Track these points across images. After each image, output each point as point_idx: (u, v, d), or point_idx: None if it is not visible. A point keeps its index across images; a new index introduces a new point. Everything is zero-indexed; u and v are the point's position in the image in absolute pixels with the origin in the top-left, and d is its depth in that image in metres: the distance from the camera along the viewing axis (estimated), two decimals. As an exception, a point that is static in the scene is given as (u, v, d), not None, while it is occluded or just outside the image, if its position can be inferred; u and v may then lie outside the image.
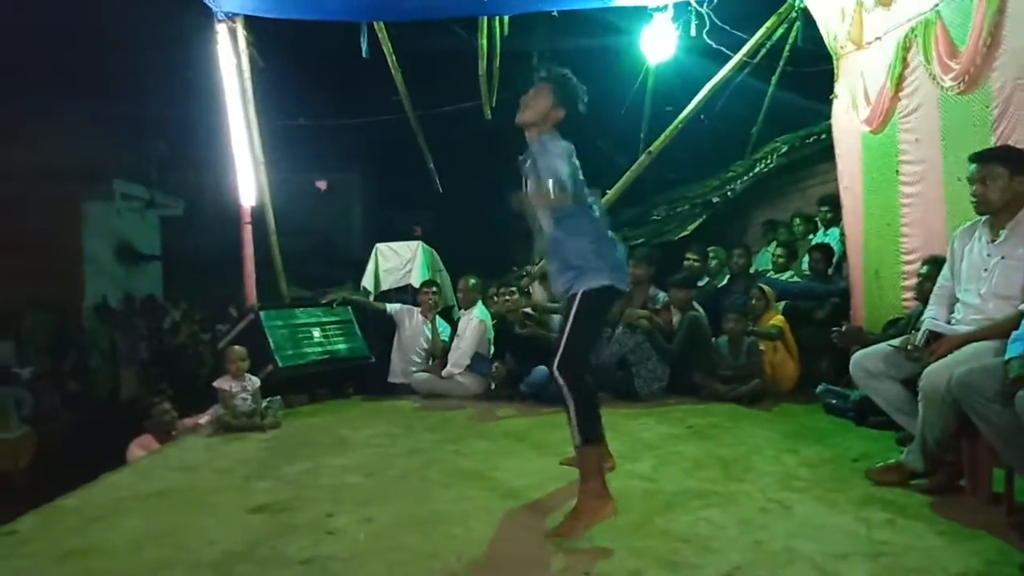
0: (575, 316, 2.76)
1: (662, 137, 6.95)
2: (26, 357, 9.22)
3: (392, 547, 2.57)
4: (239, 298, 6.80)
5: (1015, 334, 2.58)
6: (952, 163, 4.11)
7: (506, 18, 6.82)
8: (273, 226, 6.66)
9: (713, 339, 5.51)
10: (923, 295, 3.87)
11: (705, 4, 6.49)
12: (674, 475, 3.40)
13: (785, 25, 6.97)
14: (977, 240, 3.07)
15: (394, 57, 7.12)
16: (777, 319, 5.50)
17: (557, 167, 2.66)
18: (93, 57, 10.88)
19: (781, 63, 7.81)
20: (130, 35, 10.98)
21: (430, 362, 6.04)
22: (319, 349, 6.04)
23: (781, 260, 6.32)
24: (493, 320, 5.99)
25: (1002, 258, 2.94)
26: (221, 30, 6.23)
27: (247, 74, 6.41)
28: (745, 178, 8.88)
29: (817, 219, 6.74)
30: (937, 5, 4.20)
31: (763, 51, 7.25)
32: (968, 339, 2.89)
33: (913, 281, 4.39)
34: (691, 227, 9.15)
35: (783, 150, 8.36)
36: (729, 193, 9.06)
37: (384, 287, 7.39)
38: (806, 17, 6.52)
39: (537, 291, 6.64)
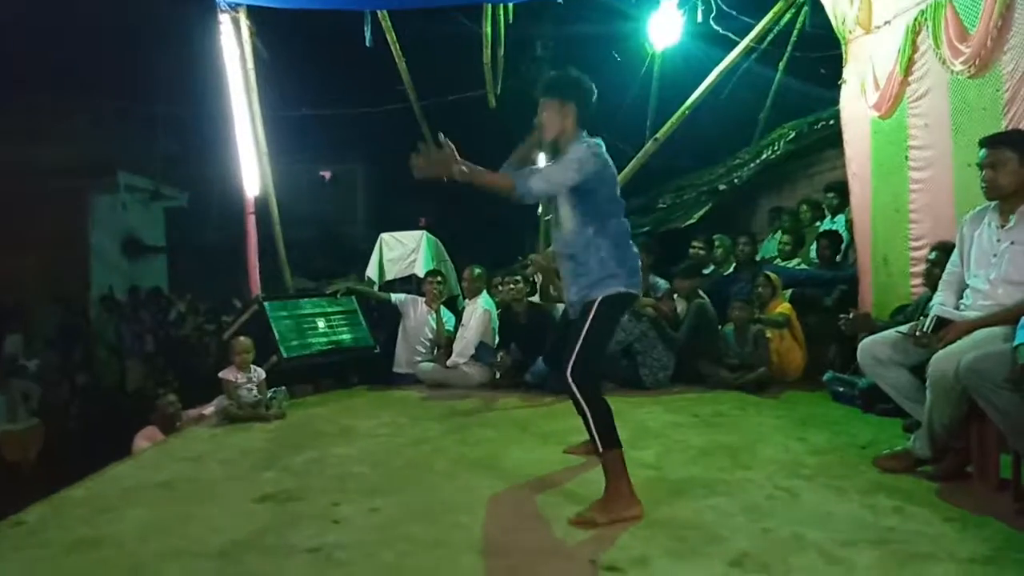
0: (591, 323, 2.73)
1: (668, 124, 6.90)
2: (33, 349, 9.26)
3: (398, 536, 2.57)
4: (243, 289, 6.81)
5: (1024, 320, 2.55)
6: (962, 148, 4.06)
7: (511, 5, 6.77)
8: (277, 216, 6.65)
9: (719, 327, 5.48)
10: (931, 281, 3.84)
11: (712, -10, 6.44)
12: (680, 463, 3.39)
13: (792, 10, 6.91)
14: (986, 225, 3.04)
15: (398, 46, 7.09)
16: (784, 307, 5.47)
17: (550, 182, 2.70)
18: (96, 50, 10.88)
19: (788, 48, 7.75)
20: (133, 27, 10.97)
21: (435, 352, 6.04)
22: (324, 339, 6.03)
23: (788, 247, 6.29)
24: (498, 309, 5.98)
25: (1012, 243, 2.91)
26: (224, 20, 6.20)
27: (250, 64, 6.39)
28: (752, 165, 8.82)
29: (824, 206, 6.70)
30: (947, -12, 4.15)
31: (770, 36, 7.19)
32: (977, 325, 2.86)
33: (921, 267, 4.35)
34: (697, 215, 9.11)
35: (790, 136, 8.30)
36: (736, 180, 9.01)
37: (389, 277, 7.38)
38: (813, 1, 6.45)
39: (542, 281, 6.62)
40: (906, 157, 4.73)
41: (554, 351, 3.08)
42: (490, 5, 6.73)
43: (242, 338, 4.95)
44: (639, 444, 3.63)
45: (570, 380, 2.67)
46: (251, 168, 6.37)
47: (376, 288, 7.08)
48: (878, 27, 5.06)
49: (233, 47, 6.23)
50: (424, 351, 6.08)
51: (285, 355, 5.60)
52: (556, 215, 2.91)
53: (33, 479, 6.67)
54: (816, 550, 2.33)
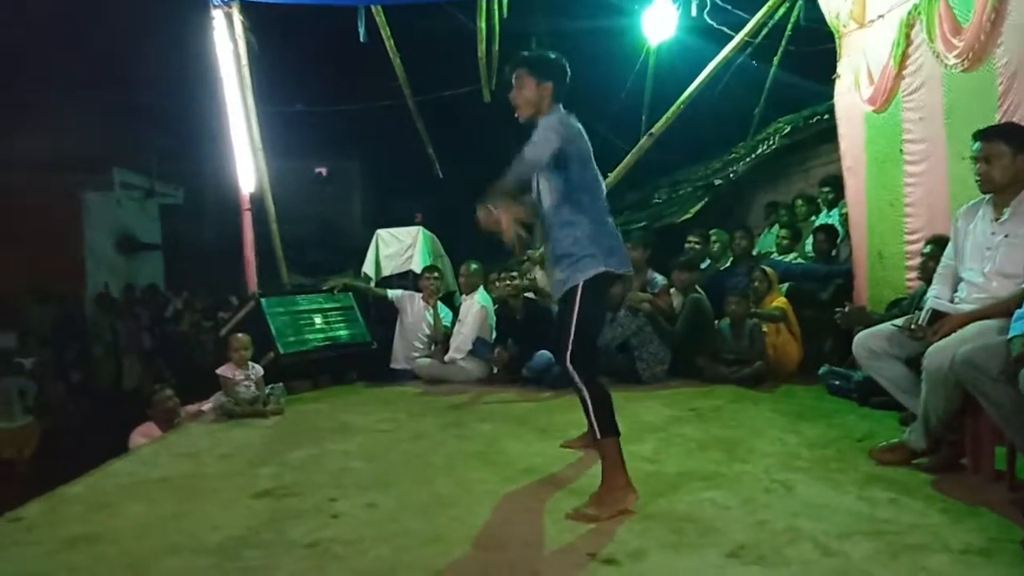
0: (579, 309, 2.74)
1: (664, 119, 6.90)
2: (29, 347, 9.23)
3: (396, 531, 2.57)
4: (240, 286, 6.80)
5: (1019, 312, 2.56)
6: (956, 141, 4.07)
7: (505, 0, 6.76)
8: (273, 213, 6.64)
9: (715, 322, 5.50)
10: (926, 275, 3.85)
11: (706, -16, 6.44)
12: (677, 456, 3.40)
13: (787, 4, 6.91)
14: (981, 219, 3.04)
15: (392, 41, 7.07)
16: (780, 301, 5.48)
17: (525, 162, 2.68)
18: (90, 45, 10.83)
19: (783, 43, 7.75)
20: (127, 22, 10.92)
21: (432, 348, 6.04)
22: (321, 336, 6.04)
23: (785, 242, 6.30)
24: (495, 305, 5.98)
25: (1006, 236, 2.92)
26: (217, 16, 6.18)
27: (244, 60, 6.37)
28: (747, 160, 8.83)
29: (819, 200, 6.71)
30: (940, -19, 4.15)
31: (765, 31, 7.19)
32: (972, 318, 2.87)
33: (916, 261, 4.37)
34: (693, 210, 9.10)
35: (785, 131, 8.31)
36: (731, 175, 9.01)
37: (385, 273, 7.38)
38: (808, -5, 6.47)
39: (540, 276, 6.63)
40: (901, 151, 4.74)
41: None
42: (484, 0, 6.73)
43: (239, 335, 4.95)
44: (636, 438, 3.64)
45: (570, 368, 2.70)
46: (246, 165, 6.36)
47: (373, 284, 7.08)
48: (872, 21, 5.07)
49: (227, 43, 6.21)
50: (421, 347, 6.08)
51: (282, 351, 5.61)
52: (537, 195, 2.90)
53: (28, 477, 6.66)
54: (812, 542, 2.34)
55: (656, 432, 3.86)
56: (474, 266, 6.05)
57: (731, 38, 6.70)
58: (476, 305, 5.86)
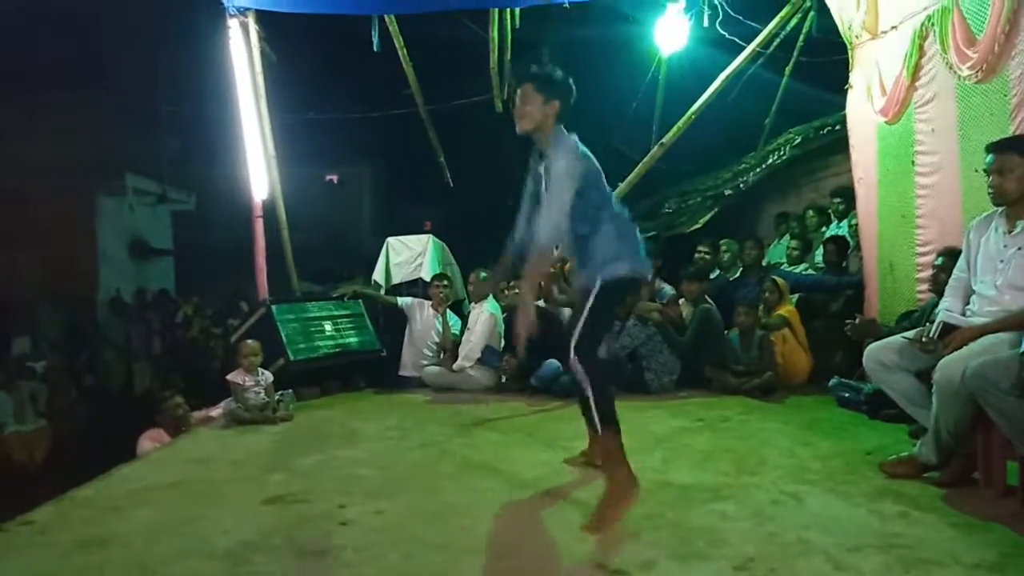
0: (595, 302, 2.78)
1: (675, 129, 6.90)
2: (41, 351, 9.31)
3: (404, 538, 2.57)
4: (250, 292, 6.83)
5: (1031, 326, 2.55)
6: (969, 153, 4.06)
7: (517, 10, 6.80)
8: (284, 220, 6.68)
9: (725, 332, 5.48)
10: (938, 287, 3.84)
11: (718, -6, 6.45)
12: (685, 468, 3.39)
13: (799, 15, 6.92)
14: (993, 231, 3.03)
15: (405, 51, 7.12)
16: (785, 309, 5.47)
17: (556, 213, 2.71)
18: (105, 53, 10.95)
19: (795, 53, 7.74)
20: (143, 30, 11.04)
21: (441, 355, 6.05)
22: (331, 343, 6.06)
23: (796, 253, 6.29)
24: (504, 313, 5.99)
25: (1018, 249, 2.91)
26: (233, 25, 6.24)
27: (259, 69, 6.42)
28: (758, 170, 8.80)
29: (830, 211, 6.69)
30: (954, -7, 4.15)
31: (777, 41, 7.19)
32: (983, 331, 2.86)
33: (928, 273, 4.35)
34: (703, 220, 9.09)
35: (796, 141, 8.28)
36: (742, 185, 8.99)
37: (395, 281, 7.41)
38: (820, 6, 6.45)
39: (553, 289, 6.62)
40: (913, 162, 4.72)
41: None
42: (497, 10, 6.76)
43: (250, 341, 4.97)
44: (645, 449, 3.63)
45: (573, 355, 2.71)
46: (259, 172, 6.40)
47: (383, 292, 7.11)
48: (885, 32, 5.06)
49: (242, 52, 6.27)
50: (430, 355, 6.10)
51: (292, 358, 5.62)
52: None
53: (39, 480, 6.70)
54: (822, 555, 2.33)
55: (665, 443, 3.85)
56: (483, 274, 6.06)
57: (742, 49, 6.71)
58: (485, 313, 5.87)
